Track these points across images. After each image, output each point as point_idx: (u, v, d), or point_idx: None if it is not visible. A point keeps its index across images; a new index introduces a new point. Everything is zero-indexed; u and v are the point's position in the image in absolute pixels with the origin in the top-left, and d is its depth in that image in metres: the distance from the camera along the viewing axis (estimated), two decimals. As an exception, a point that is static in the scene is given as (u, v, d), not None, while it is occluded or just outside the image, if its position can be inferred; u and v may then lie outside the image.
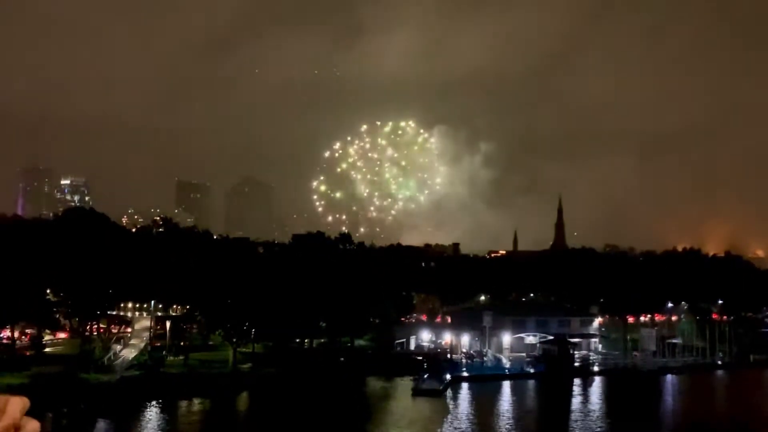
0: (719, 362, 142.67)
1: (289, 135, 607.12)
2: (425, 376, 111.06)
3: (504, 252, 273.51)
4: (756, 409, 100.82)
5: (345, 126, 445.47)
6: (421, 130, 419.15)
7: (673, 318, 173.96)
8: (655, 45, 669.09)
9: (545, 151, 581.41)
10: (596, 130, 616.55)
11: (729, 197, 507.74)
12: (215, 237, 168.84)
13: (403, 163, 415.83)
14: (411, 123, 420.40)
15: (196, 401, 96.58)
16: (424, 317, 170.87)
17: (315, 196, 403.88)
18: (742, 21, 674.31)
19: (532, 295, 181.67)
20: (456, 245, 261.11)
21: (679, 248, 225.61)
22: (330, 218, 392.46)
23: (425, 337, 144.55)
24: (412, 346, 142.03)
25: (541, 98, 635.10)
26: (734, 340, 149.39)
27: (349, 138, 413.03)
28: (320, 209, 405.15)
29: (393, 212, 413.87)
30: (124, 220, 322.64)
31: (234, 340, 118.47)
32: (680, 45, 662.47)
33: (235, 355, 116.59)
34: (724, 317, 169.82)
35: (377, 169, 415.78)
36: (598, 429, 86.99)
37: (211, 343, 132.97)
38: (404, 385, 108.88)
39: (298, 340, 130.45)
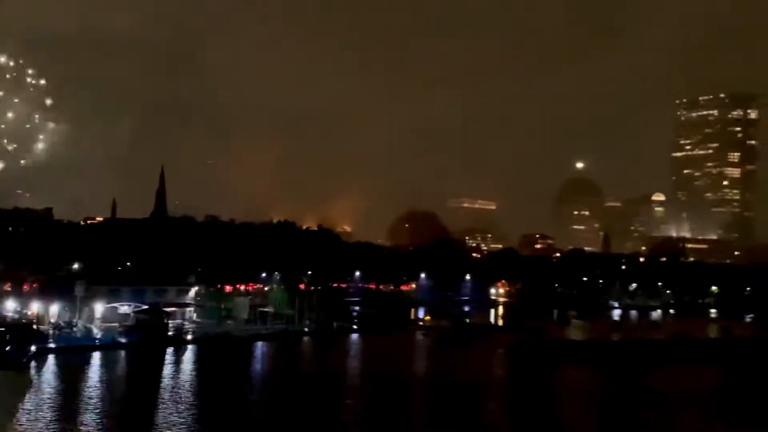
0: (306, 329, 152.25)
1: None
2: (7, 348, 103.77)
3: (101, 219, 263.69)
4: (332, 369, 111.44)
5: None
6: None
7: (266, 288, 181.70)
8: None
9: (181, 121, 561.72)
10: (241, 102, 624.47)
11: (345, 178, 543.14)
12: None
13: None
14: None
15: None
16: (9, 286, 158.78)
17: None
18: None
19: (129, 264, 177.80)
20: (49, 209, 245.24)
21: (275, 221, 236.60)
22: None
23: (10, 306, 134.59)
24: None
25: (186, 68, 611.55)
26: (320, 309, 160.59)
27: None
28: None
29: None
30: None
31: None
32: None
33: None
34: (313, 287, 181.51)
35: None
36: (186, 390, 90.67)
37: None
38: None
39: None
